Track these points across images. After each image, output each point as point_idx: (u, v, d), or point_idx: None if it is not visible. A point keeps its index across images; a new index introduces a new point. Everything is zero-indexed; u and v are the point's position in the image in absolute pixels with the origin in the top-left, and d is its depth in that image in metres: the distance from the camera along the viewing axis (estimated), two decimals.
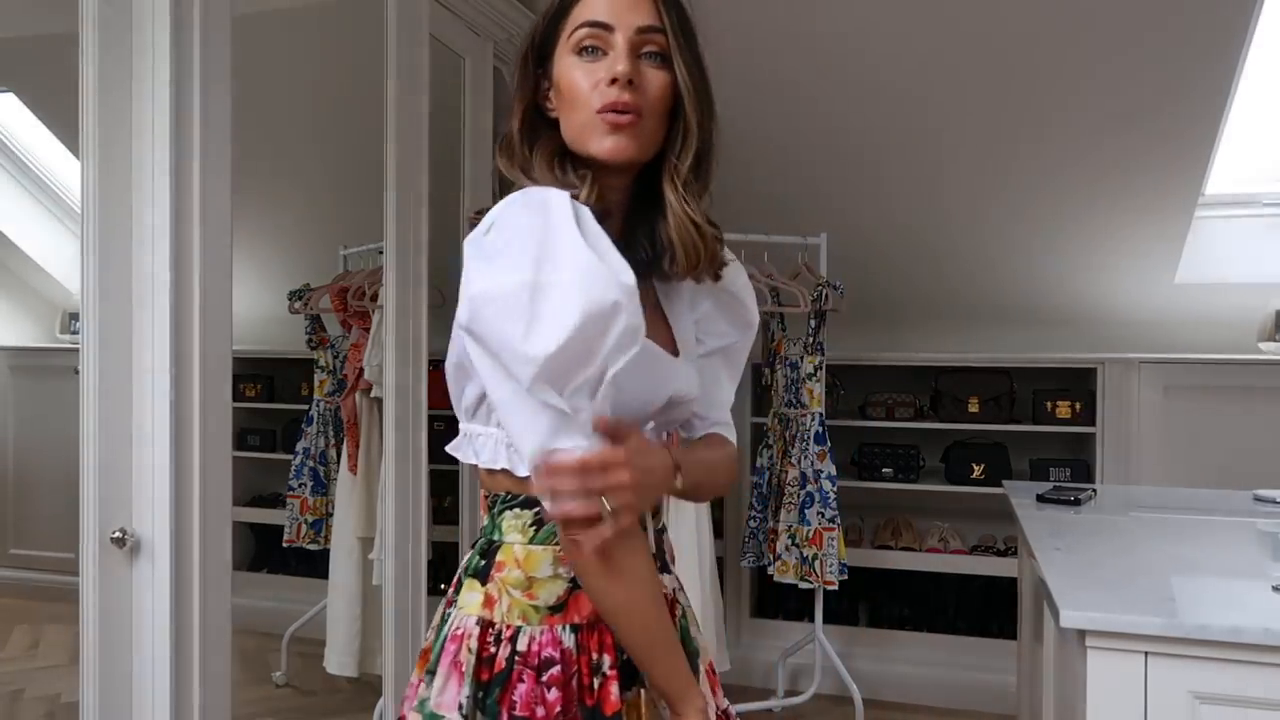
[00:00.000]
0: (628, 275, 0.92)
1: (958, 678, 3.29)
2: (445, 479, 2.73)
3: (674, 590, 1.14)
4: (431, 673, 1.04)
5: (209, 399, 1.71)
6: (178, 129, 1.65)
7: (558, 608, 1.03)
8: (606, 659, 1.02)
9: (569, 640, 1.02)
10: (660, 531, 1.14)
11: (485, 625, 1.03)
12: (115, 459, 1.63)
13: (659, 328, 1.10)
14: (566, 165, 1.04)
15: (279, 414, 3.23)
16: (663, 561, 1.13)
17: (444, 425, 2.77)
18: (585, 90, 1.01)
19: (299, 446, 2.99)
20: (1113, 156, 2.93)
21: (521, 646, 1.01)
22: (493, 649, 1.02)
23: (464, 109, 2.71)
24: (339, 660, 2.79)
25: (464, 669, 1.02)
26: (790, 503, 3.08)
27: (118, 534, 1.60)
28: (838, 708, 3.20)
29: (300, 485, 2.96)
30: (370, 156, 2.34)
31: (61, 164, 2.99)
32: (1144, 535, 1.84)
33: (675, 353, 1.10)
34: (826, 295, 3.04)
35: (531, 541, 1.03)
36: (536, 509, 1.01)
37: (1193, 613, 1.28)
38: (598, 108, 1.00)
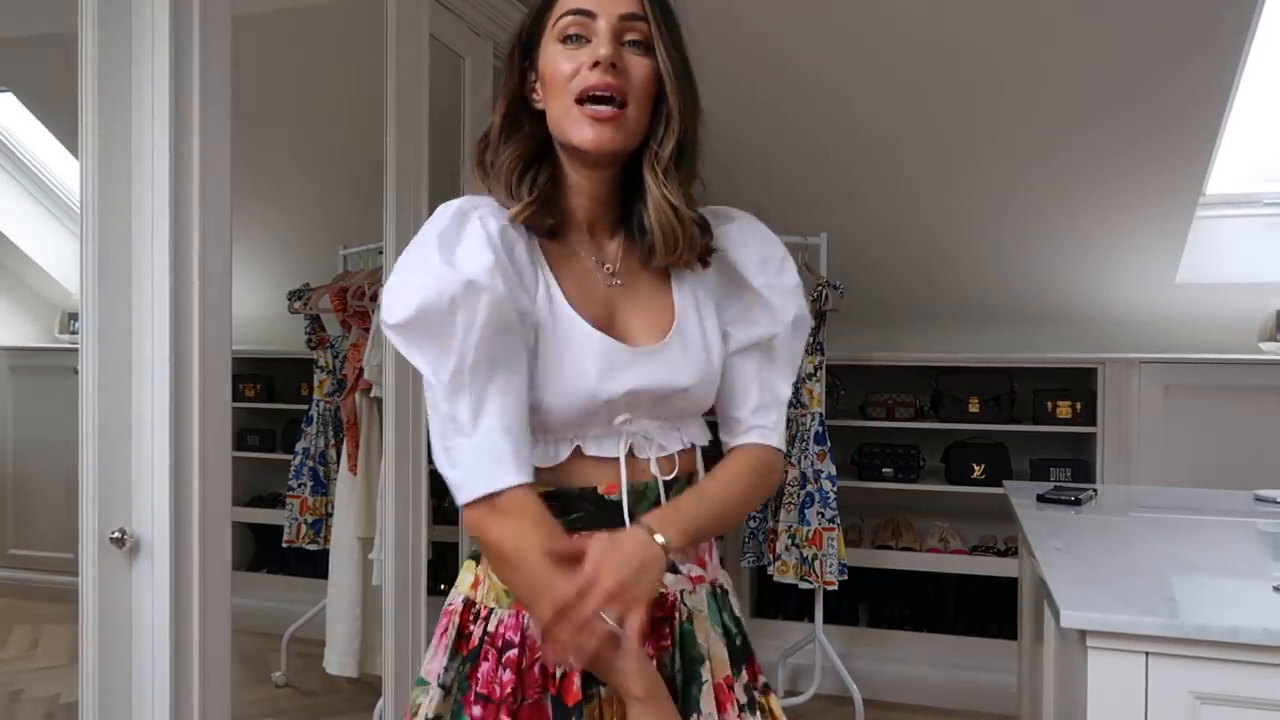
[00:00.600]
0: (473, 270, 0.97)
1: (958, 678, 3.29)
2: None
3: (680, 592, 1.10)
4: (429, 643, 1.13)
5: (209, 399, 1.71)
6: (177, 128, 1.65)
7: None
8: None
9: (534, 627, 1.02)
10: None
11: (469, 604, 1.09)
12: (115, 459, 1.63)
13: (650, 314, 1.10)
14: (525, 178, 1.06)
15: (279, 414, 3.23)
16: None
17: None
18: (567, 75, 1.04)
19: (299, 446, 2.99)
20: (1113, 156, 2.93)
21: (491, 627, 1.06)
22: (471, 627, 1.08)
23: (464, 109, 2.70)
24: (339, 660, 2.78)
25: (447, 642, 1.09)
26: (790, 503, 3.08)
27: (117, 534, 1.60)
28: (838, 708, 3.20)
29: (300, 485, 2.96)
30: (370, 156, 2.34)
31: (61, 164, 2.99)
32: (1144, 535, 1.84)
33: (657, 340, 1.09)
34: (826, 295, 3.04)
35: None
36: (551, 499, 1.04)
37: (1193, 613, 1.28)
38: (578, 93, 1.03)
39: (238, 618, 1.82)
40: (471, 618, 1.08)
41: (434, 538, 2.56)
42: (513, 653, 1.04)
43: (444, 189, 2.54)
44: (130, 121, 1.64)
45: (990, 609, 3.47)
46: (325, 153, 2.86)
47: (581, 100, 1.03)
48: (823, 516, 3.01)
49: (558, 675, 1.03)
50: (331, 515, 2.90)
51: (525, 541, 0.98)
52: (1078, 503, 2.05)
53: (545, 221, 1.06)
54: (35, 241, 3.07)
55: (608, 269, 1.10)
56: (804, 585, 3.05)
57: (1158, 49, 2.60)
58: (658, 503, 1.08)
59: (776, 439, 1.16)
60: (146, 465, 1.65)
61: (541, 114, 1.08)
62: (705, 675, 1.10)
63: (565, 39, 1.05)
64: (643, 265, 1.12)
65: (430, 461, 2.46)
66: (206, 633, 1.70)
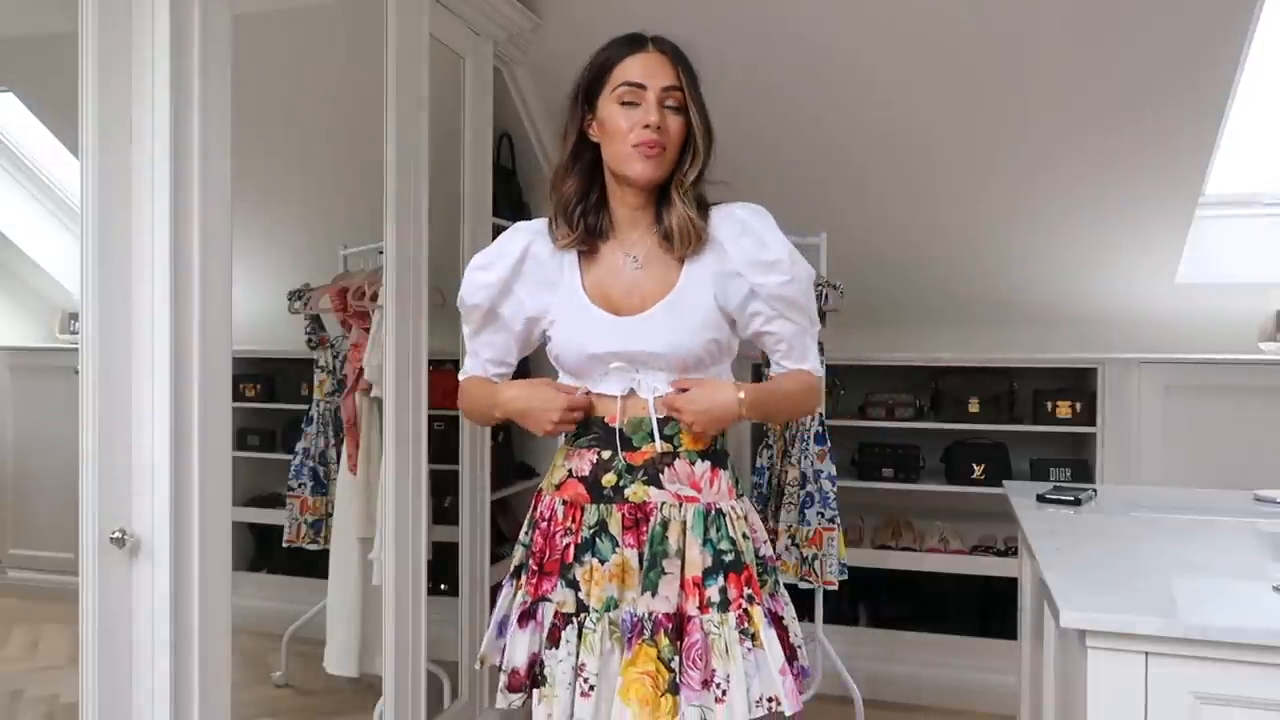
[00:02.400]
0: (473, 282, 1.59)
1: (958, 678, 3.29)
2: (445, 479, 2.72)
3: (661, 504, 1.50)
4: None
5: (209, 399, 1.71)
6: (177, 128, 1.65)
7: (559, 485, 1.57)
8: (573, 527, 1.52)
9: (560, 509, 1.55)
10: (665, 455, 1.51)
11: (539, 490, 1.61)
12: (115, 459, 1.63)
13: (655, 290, 1.52)
14: (574, 212, 1.54)
15: (279, 414, 3.22)
16: (651, 476, 1.51)
17: (444, 425, 2.77)
18: (624, 130, 1.48)
19: (299, 446, 2.98)
20: (1113, 156, 2.93)
21: (540, 506, 1.59)
22: (540, 505, 1.60)
23: (464, 109, 2.70)
24: (339, 660, 2.78)
25: (530, 515, 1.62)
26: (790, 503, 3.08)
27: (117, 534, 1.60)
28: (838, 708, 3.19)
29: (300, 485, 2.95)
30: (370, 156, 2.34)
31: (61, 164, 2.98)
32: (1144, 535, 1.84)
33: (652, 309, 1.51)
34: (826, 295, 3.03)
35: (564, 441, 1.60)
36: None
37: (1193, 613, 1.28)
38: (633, 143, 1.47)
39: (238, 618, 1.82)
40: (541, 498, 1.59)
41: (434, 538, 2.56)
42: (544, 525, 1.56)
43: (444, 189, 2.54)
44: (130, 121, 1.64)
45: (990, 609, 3.46)
46: (325, 153, 2.86)
47: (635, 146, 1.47)
48: (823, 516, 3.01)
49: (562, 544, 1.52)
50: (331, 515, 2.89)
51: (473, 388, 1.66)
52: (1078, 503, 2.05)
53: (580, 247, 1.56)
54: (35, 241, 3.07)
55: (633, 258, 1.54)
56: (804, 585, 3.04)
57: (1158, 49, 2.60)
58: (651, 435, 1.51)
59: (810, 365, 1.59)
60: (146, 465, 1.65)
61: (596, 146, 1.53)
62: (670, 569, 1.48)
63: (622, 103, 1.48)
64: (665, 252, 1.53)
65: (430, 461, 2.46)
66: (206, 633, 1.71)
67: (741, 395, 1.48)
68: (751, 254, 1.50)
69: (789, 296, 1.51)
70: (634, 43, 1.51)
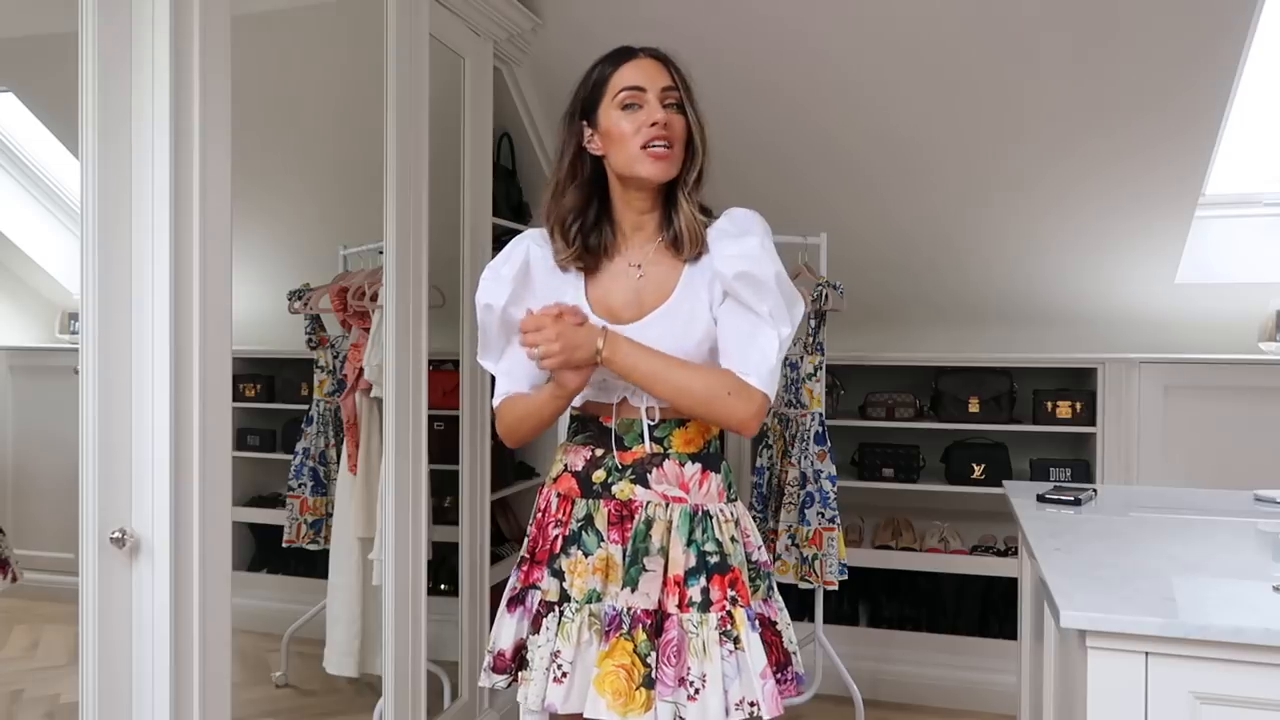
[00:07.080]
0: (487, 295, 1.60)
1: (958, 678, 3.29)
2: (445, 479, 2.72)
3: (647, 503, 1.53)
4: None
5: (209, 399, 1.71)
6: (177, 128, 1.65)
7: (555, 479, 1.64)
8: (563, 519, 1.58)
9: (554, 501, 1.61)
10: (655, 456, 1.55)
11: (543, 484, 1.67)
12: (115, 459, 1.63)
13: (656, 296, 1.55)
14: (572, 229, 1.57)
15: (279, 414, 3.22)
16: (639, 475, 1.55)
17: (444, 425, 2.78)
18: (631, 133, 1.51)
19: (299, 446, 2.98)
20: (1113, 156, 2.93)
21: (540, 499, 1.65)
22: (539, 498, 1.66)
23: (464, 109, 2.70)
24: (339, 660, 2.78)
25: (533, 508, 1.67)
26: (790, 503, 3.08)
27: (117, 534, 1.60)
28: (838, 708, 3.20)
29: (300, 485, 2.95)
30: (370, 156, 2.34)
31: (61, 164, 2.98)
32: (1144, 535, 1.84)
33: (636, 316, 1.55)
34: (826, 295, 3.03)
35: (565, 438, 1.67)
36: (572, 421, 1.64)
37: (1193, 613, 1.28)
38: (642, 143, 1.50)
39: (238, 618, 1.82)
40: (542, 492, 1.65)
41: (434, 538, 2.56)
42: (539, 515, 1.63)
43: (444, 189, 2.54)
44: (130, 121, 1.64)
45: (990, 609, 3.47)
46: (325, 153, 2.86)
47: (644, 147, 1.49)
48: (823, 516, 3.01)
49: (552, 535, 1.59)
50: (331, 515, 2.89)
51: (515, 405, 1.63)
52: (1078, 503, 2.05)
53: (577, 264, 1.58)
54: (35, 241, 3.07)
55: (637, 266, 1.58)
56: (804, 585, 3.05)
57: (1157, 50, 2.60)
58: (641, 436, 1.55)
59: (755, 379, 1.49)
60: (146, 465, 1.65)
61: (595, 158, 1.57)
62: (652, 566, 1.51)
63: (624, 107, 1.51)
64: (668, 257, 1.57)
65: (430, 461, 2.46)
66: (206, 633, 1.71)
67: (601, 344, 1.47)
68: (726, 243, 1.50)
69: (749, 273, 1.47)
70: (625, 54, 1.56)
